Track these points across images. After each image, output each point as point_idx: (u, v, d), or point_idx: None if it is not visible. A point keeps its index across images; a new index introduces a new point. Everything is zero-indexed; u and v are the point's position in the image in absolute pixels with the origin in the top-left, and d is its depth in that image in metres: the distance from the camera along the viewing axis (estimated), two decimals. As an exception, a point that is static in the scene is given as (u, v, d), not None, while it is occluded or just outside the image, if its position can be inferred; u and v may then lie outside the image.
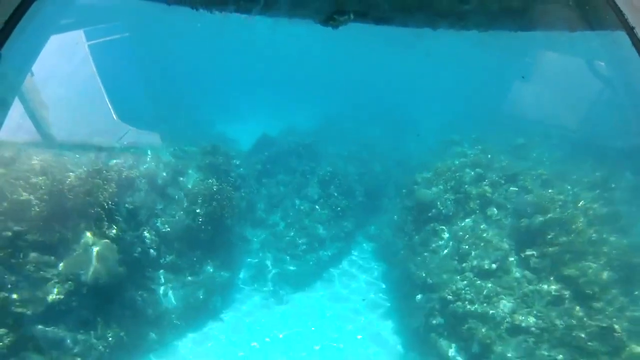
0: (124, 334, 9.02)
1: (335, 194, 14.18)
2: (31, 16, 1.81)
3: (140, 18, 21.30)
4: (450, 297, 8.75)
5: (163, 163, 11.23)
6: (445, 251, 9.74)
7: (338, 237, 13.56)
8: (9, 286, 7.48)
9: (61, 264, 8.01)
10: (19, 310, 7.52)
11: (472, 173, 10.50)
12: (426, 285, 9.58)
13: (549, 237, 8.16)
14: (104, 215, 8.43)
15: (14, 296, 7.49)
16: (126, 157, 11.06)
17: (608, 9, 2.48)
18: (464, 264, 9.17)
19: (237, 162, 13.37)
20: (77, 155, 10.61)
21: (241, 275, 12.08)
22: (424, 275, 9.71)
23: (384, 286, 12.14)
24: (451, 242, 9.76)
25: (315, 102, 24.10)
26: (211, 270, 10.94)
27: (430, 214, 10.40)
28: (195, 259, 10.69)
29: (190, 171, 11.28)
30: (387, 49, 27.40)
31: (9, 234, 7.57)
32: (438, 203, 10.28)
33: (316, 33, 26.84)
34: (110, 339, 8.66)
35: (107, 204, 8.56)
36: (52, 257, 8.04)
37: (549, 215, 8.29)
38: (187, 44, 29.85)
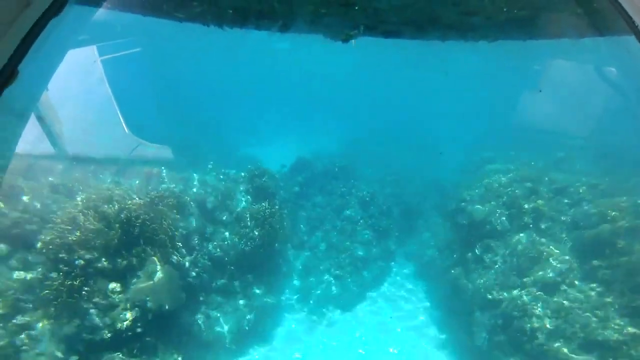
0: (182, 358, 8.91)
1: (376, 215, 14.15)
2: (48, 33, 1.85)
3: (153, 35, 21.69)
4: (516, 312, 8.55)
5: (210, 187, 11.29)
6: (503, 267, 9.57)
7: (380, 257, 13.45)
8: (81, 314, 7.47)
9: (128, 291, 7.98)
10: (89, 337, 7.47)
11: (522, 188, 10.42)
12: (485, 302, 9.39)
13: (620, 246, 8.00)
14: (167, 242, 8.43)
15: (86, 323, 7.46)
16: (175, 181, 11.17)
17: (616, 15, 2.42)
18: (525, 279, 8.98)
19: (282, 185, 13.40)
20: (135, 181, 10.78)
21: (287, 298, 11.93)
22: (482, 291, 9.53)
23: (428, 304, 11.97)
24: (508, 258, 9.60)
25: (337, 123, 24.25)
26: (260, 293, 10.81)
27: (483, 231, 10.28)
28: (246, 283, 10.61)
29: (238, 195, 11.31)
30: (405, 69, 27.78)
31: (82, 262, 7.59)
32: (492, 219, 10.17)
33: (333, 54, 27.37)
34: (172, 364, 8.56)
35: (170, 230, 8.57)
36: (119, 284, 8.02)
37: (619, 224, 8.15)
38: (201, 62, 30.31)
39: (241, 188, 11.52)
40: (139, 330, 7.93)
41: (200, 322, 9.52)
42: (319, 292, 12.06)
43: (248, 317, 10.31)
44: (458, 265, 10.85)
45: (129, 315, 7.81)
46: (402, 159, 18.96)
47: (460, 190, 11.71)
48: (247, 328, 10.21)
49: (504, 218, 10.10)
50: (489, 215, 10.32)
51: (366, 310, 11.92)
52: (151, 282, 8.08)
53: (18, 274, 7.46)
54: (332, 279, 12.43)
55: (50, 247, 7.49)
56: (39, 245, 8.00)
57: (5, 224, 7.81)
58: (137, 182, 10.91)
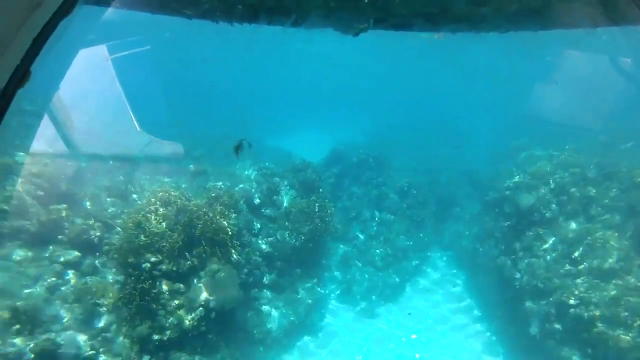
0: (239, 354, 9.12)
1: (413, 205, 14.12)
2: (59, 34, 1.84)
3: (163, 32, 21.69)
4: (572, 301, 8.50)
5: (255, 182, 11.36)
6: (554, 255, 9.49)
7: (418, 247, 13.46)
8: (152, 315, 7.67)
9: (192, 291, 8.15)
10: (157, 337, 7.67)
11: (570, 174, 10.26)
12: (537, 291, 9.33)
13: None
14: (227, 240, 8.54)
15: (155, 324, 7.66)
16: (219, 178, 11.29)
17: (631, 4, 2.33)
18: (579, 267, 8.90)
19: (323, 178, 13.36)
20: (182, 181, 10.91)
21: (332, 290, 12.05)
22: (533, 280, 9.49)
23: (470, 294, 11.99)
24: (559, 246, 9.50)
25: (363, 115, 24.11)
26: (309, 286, 10.94)
27: (532, 219, 10.18)
28: (294, 277, 10.73)
29: (283, 189, 11.37)
30: (422, 62, 27.26)
31: (148, 265, 7.76)
32: (541, 207, 10.06)
33: (351, 45, 27.02)
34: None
35: (229, 228, 8.68)
36: (183, 285, 8.20)
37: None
38: (215, 59, 30.05)
39: (285, 182, 11.56)
40: (202, 328, 8.12)
41: (253, 318, 9.67)
42: (361, 283, 12.12)
43: (297, 310, 10.44)
44: (504, 254, 10.77)
45: (193, 315, 7.99)
46: (430, 149, 18.79)
47: (501, 179, 11.57)
48: (296, 322, 10.32)
49: (554, 205, 9.98)
50: (537, 203, 10.20)
51: (410, 300, 11.99)
52: (213, 282, 8.22)
53: (90, 279, 7.69)
54: (373, 269, 12.49)
55: (120, 251, 7.68)
56: (108, 249, 8.25)
57: (74, 231, 8.02)
58: (184, 181, 11.07)
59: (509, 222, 10.87)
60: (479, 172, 15.65)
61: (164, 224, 8.11)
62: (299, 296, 10.72)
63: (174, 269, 8.03)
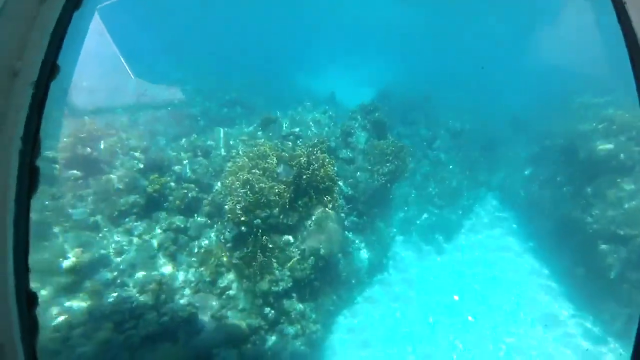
0: (335, 297, 9.23)
1: (465, 145, 13.90)
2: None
3: None
4: (654, 249, 8.82)
5: (326, 126, 10.77)
6: (633, 203, 9.67)
7: (472, 187, 13.48)
8: (269, 269, 7.47)
9: (302, 241, 7.91)
10: (275, 289, 7.55)
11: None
12: (615, 237, 9.61)
13: None
14: (332, 188, 8.16)
15: (272, 278, 7.49)
16: (292, 124, 10.61)
17: None
18: (661, 216, 9.15)
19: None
20: (258, 129, 10.20)
21: (400, 228, 12.07)
22: (609, 226, 9.71)
23: (527, 235, 12.09)
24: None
25: (401, 58, 22.44)
26: (383, 226, 10.94)
27: (608, 166, 10.17)
28: (372, 217, 10.62)
29: (356, 131, 10.81)
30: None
31: (259, 221, 7.40)
32: (620, 155, 10.02)
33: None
34: (330, 302, 8.88)
35: (333, 175, 8.27)
36: (291, 236, 7.93)
37: None
38: None
39: (356, 124, 10.96)
40: (312, 276, 8.04)
41: (341, 260, 9.64)
42: (423, 222, 12.22)
43: (377, 250, 10.53)
44: (571, 199, 10.90)
45: (305, 264, 7.85)
46: (476, 91, 17.99)
47: (571, 125, 11.36)
48: (376, 261, 10.46)
49: (636, 154, 9.96)
50: (614, 151, 10.15)
51: (471, 239, 12.22)
52: (322, 231, 7.99)
53: (204, 242, 7.39)
54: (433, 209, 12.54)
55: (233, 211, 7.28)
56: (210, 210, 7.87)
57: (176, 197, 7.69)
58: (260, 128, 10.35)
59: (577, 168, 10.86)
60: (527, 115, 15.34)
61: (269, 178, 7.62)
62: (376, 237, 10.74)
63: (285, 221, 7.72)
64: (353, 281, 9.94)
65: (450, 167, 13.34)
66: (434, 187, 12.85)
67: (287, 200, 7.61)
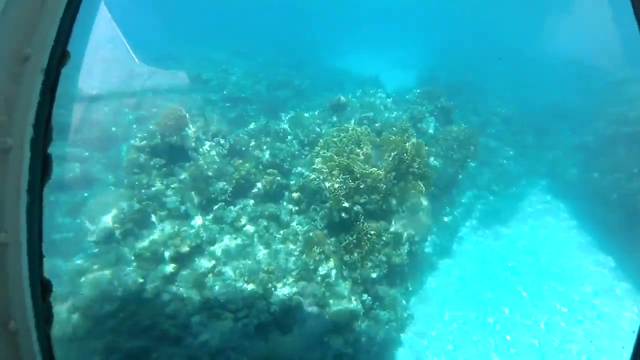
0: (417, 284, 9.12)
1: (518, 131, 13.67)
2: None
3: None
4: None
5: (394, 111, 10.51)
6: None
7: (526, 173, 13.28)
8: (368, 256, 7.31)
9: (398, 227, 7.72)
10: (373, 275, 7.38)
11: None
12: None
13: None
14: (427, 173, 7.95)
15: (370, 264, 7.34)
16: (361, 109, 10.35)
17: None
18: None
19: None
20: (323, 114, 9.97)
21: (458, 213, 11.81)
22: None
23: (578, 218, 12.05)
24: None
25: (419, 39, 21.94)
26: (450, 210, 10.83)
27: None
28: (443, 203, 10.48)
29: (426, 117, 10.55)
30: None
31: (359, 207, 7.21)
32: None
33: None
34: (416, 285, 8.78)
35: (427, 161, 8.06)
36: (387, 222, 7.73)
37: None
38: None
39: (424, 110, 10.70)
40: (405, 262, 7.88)
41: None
42: (481, 206, 12.06)
43: (444, 234, 10.46)
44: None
45: (401, 250, 7.67)
46: (517, 78, 17.48)
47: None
48: (442, 244, 10.34)
49: None
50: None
51: (528, 223, 12.04)
52: (415, 215, 7.80)
53: (300, 229, 7.25)
54: (488, 194, 12.36)
55: (335, 197, 7.08)
56: (299, 197, 7.70)
57: (262, 183, 7.51)
58: (332, 112, 10.07)
59: None
60: (570, 104, 15.06)
61: (368, 164, 7.41)
62: (446, 219, 10.61)
63: (383, 207, 7.49)
64: (425, 265, 9.83)
65: (505, 153, 13.11)
66: (490, 175, 12.63)
67: (390, 186, 7.38)
